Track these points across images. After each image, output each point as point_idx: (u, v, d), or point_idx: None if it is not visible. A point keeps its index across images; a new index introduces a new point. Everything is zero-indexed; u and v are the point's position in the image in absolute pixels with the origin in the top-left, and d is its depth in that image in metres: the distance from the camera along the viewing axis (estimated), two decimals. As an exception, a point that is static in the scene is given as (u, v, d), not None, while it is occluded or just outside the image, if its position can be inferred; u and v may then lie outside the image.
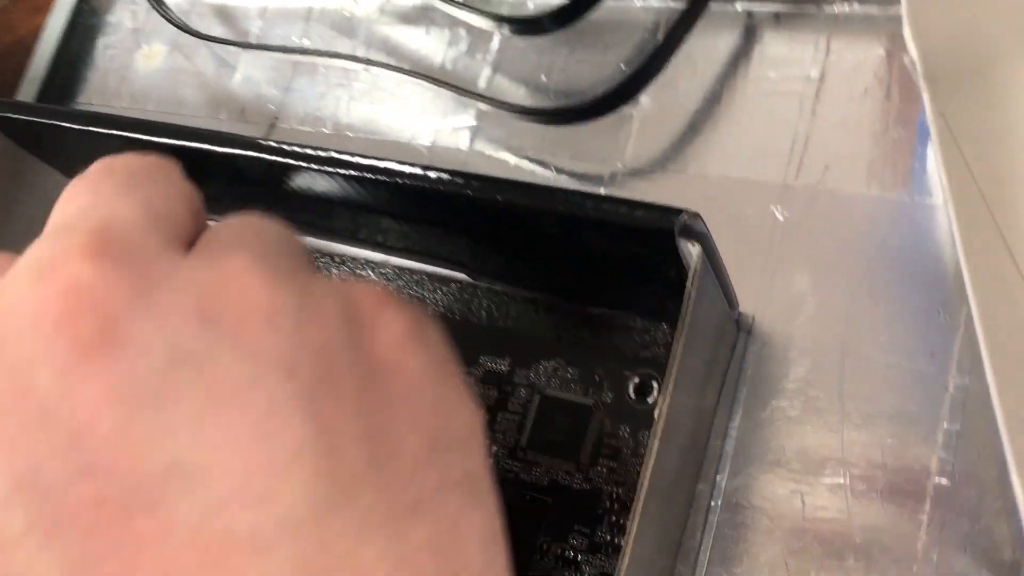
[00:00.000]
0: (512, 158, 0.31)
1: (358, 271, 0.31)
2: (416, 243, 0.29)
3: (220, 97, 0.37)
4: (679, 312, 0.21)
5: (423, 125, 0.33)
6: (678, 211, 0.20)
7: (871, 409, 0.24)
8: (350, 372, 0.16)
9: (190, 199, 0.19)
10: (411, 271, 0.30)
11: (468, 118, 0.32)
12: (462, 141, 0.32)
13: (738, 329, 0.26)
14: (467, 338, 0.28)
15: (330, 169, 0.25)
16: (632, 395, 0.25)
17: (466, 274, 0.29)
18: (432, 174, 0.23)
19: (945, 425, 0.23)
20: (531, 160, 0.31)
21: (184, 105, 0.38)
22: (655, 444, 0.21)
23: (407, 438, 0.17)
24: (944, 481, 0.23)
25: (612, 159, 0.30)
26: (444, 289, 0.29)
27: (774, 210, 0.27)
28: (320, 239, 0.31)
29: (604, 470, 0.25)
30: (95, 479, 0.15)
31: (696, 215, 0.21)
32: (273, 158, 0.25)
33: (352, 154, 0.24)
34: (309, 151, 0.25)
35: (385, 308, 0.18)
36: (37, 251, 0.16)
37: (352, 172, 0.24)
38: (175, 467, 0.15)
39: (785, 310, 0.26)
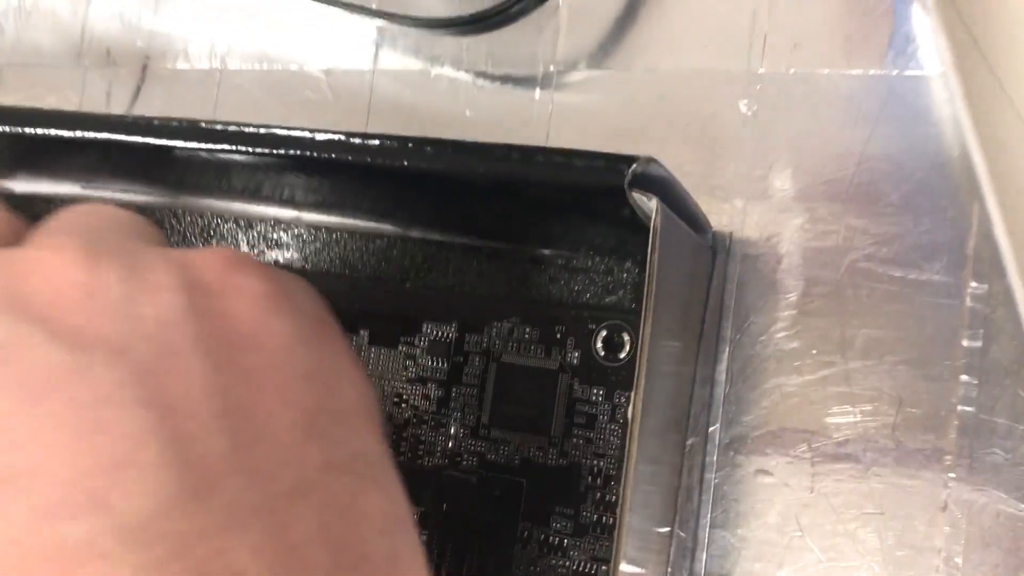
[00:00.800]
0: (426, 69, 0.26)
1: (269, 235, 0.26)
2: (329, 196, 0.24)
3: (79, 39, 0.31)
4: (642, 246, 0.17)
5: (317, 47, 0.28)
6: (628, 160, 0.16)
7: (878, 333, 0.21)
8: (197, 346, 0.14)
9: None
10: (328, 228, 0.26)
11: (368, 31, 0.27)
12: (364, 60, 0.27)
13: (714, 255, 0.22)
14: (404, 302, 0.24)
15: (202, 146, 0.20)
16: (601, 351, 0.22)
17: (392, 225, 0.25)
18: (321, 137, 0.19)
19: (965, 343, 0.20)
20: (450, 68, 0.26)
21: (40, 53, 0.32)
22: (635, 428, 0.17)
23: (277, 414, 0.15)
24: (969, 409, 0.20)
25: (541, 59, 0.25)
26: (370, 246, 0.25)
27: (740, 105, 0.23)
28: (218, 200, 0.27)
29: (580, 442, 0.22)
30: None
31: (649, 160, 0.17)
32: (137, 139, 0.21)
33: (222, 127, 0.20)
34: (176, 125, 0.20)
35: (236, 271, 0.16)
36: None
37: (225, 146, 0.20)
38: None
39: (767, 223, 0.22)
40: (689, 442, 0.22)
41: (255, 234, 0.27)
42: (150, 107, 0.30)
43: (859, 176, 0.21)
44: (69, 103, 0.31)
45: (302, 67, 0.28)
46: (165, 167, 0.25)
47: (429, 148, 0.18)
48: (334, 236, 0.26)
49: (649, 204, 0.17)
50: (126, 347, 0.14)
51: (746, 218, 0.22)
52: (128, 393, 0.13)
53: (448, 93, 0.26)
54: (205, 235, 0.27)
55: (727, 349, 0.22)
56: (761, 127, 0.22)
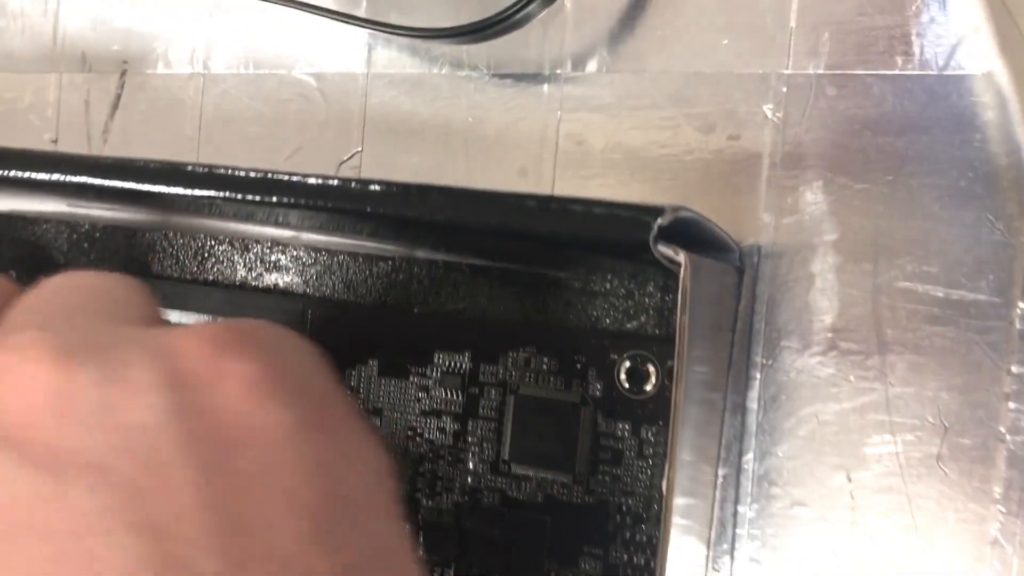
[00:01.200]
0: (424, 73, 0.25)
1: (266, 257, 0.25)
2: (327, 223, 0.23)
3: (52, 42, 0.30)
4: (664, 271, 0.16)
5: (305, 49, 0.26)
6: (653, 211, 0.15)
7: (919, 358, 0.19)
8: (186, 453, 0.13)
9: None
10: (329, 250, 0.24)
11: (360, 32, 0.25)
12: (356, 63, 0.25)
13: (740, 275, 0.21)
14: (413, 330, 0.23)
15: (183, 192, 0.19)
16: (625, 383, 0.21)
17: (397, 246, 0.23)
18: (313, 182, 0.18)
19: (1014, 368, 0.19)
20: (449, 71, 0.24)
21: (12, 59, 0.30)
22: (673, 473, 0.16)
23: (280, 524, 0.13)
24: (1019, 438, 0.19)
25: (548, 61, 0.23)
26: (374, 269, 0.24)
27: (765, 109, 0.21)
28: (212, 221, 0.25)
29: (607, 479, 0.21)
30: None
31: (677, 210, 0.15)
32: (115, 184, 0.19)
33: (205, 170, 0.18)
34: (155, 168, 0.19)
35: (225, 355, 0.14)
36: None
37: (208, 193, 0.18)
38: None
39: (796, 238, 0.21)
40: (722, 473, 0.21)
41: (252, 256, 0.25)
42: (131, 117, 0.28)
43: (897, 187, 0.20)
44: (46, 115, 0.29)
45: (290, 71, 0.26)
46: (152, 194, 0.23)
47: (435, 196, 0.17)
48: (336, 259, 0.24)
49: (677, 257, 0.15)
50: (107, 464, 0.13)
51: (775, 234, 0.21)
52: (114, 519, 0.12)
53: (448, 98, 0.24)
54: (199, 257, 0.26)
55: (759, 375, 0.21)
56: (789, 133, 0.21)
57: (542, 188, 0.23)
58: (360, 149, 0.25)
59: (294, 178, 0.18)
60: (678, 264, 0.16)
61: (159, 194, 0.20)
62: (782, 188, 0.21)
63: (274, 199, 0.18)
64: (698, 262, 0.16)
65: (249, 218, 0.24)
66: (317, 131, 0.26)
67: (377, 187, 0.17)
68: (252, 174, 0.18)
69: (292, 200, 0.18)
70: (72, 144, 0.29)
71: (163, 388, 0.13)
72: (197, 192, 0.18)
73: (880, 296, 0.20)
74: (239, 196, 0.18)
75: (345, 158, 0.25)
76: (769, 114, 0.21)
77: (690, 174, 0.22)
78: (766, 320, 0.21)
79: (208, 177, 0.18)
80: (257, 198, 0.18)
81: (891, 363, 0.20)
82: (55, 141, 0.29)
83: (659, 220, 0.15)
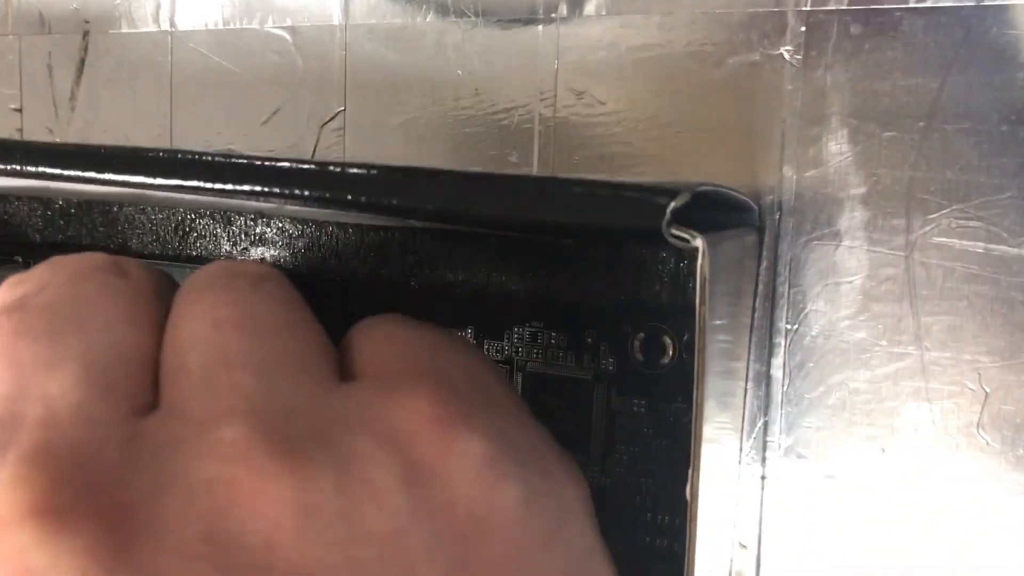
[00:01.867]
0: (407, 22, 0.23)
1: (251, 230, 0.23)
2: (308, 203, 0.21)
3: (5, 3, 0.27)
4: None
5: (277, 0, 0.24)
6: (666, 192, 0.13)
7: (958, 319, 0.18)
8: (432, 557, 0.12)
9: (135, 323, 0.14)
10: (316, 222, 0.23)
11: (333, -23, 0.23)
12: (333, 13, 0.23)
13: (761, 236, 0.19)
14: (409, 305, 0.21)
15: (145, 180, 0.17)
16: (639, 356, 0.19)
17: (385, 216, 0.22)
18: (285, 165, 0.16)
19: (1062, 329, 0.17)
20: (434, 19, 0.22)
21: (-35, 21, 0.28)
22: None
23: None
24: (1067, 404, 0.17)
25: (542, 4, 0.21)
26: (365, 240, 0.22)
27: (783, 51, 0.19)
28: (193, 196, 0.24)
29: (624, 458, 0.19)
30: None
31: (692, 188, 0.13)
32: (76, 173, 0.18)
33: (165, 154, 0.17)
34: (122, 153, 0.17)
35: (452, 435, 0.13)
36: None
37: (173, 181, 0.17)
38: None
39: (820, 193, 0.19)
40: (747, 445, 0.19)
41: (235, 229, 0.24)
42: (98, 81, 0.26)
43: (931, 134, 0.18)
44: (9, 80, 0.27)
45: (262, 25, 0.24)
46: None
47: (421, 183, 0.15)
48: (324, 230, 0.23)
49: (693, 242, 0.14)
50: None
51: (797, 189, 0.19)
52: None
53: (434, 49, 0.22)
54: (180, 232, 0.25)
55: (783, 342, 0.19)
56: (810, 79, 0.19)
57: (542, 145, 0.21)
58: (343, 108, 0.23)
59: (267, 163, 0.16)
60: (694, 248, 0.14)
61: (123, 182, 0.18)
62: (803, 139, 0.19)
63: (246, 188, 0.16)
64: (716, 241, 0.15)
65: (227, 196, 0.23)
66: (295, 90, 0.24)
67: (358, 171, 0.15)
68: (218, 159, 0.16)
69: (265, 189, 0.16)
70: (38, 112, 0.27)
71: (402, 486, 0.12)
72: (160, 181, 0.17)
73: (914, 253, 0.18)
74: (208, 186, 0.16)
75: (327, 119, 0.23)
76: (787, 56, 0.19)
77: (701, 125, 0.20)
78: (790, 282, 0.19)
79: (173, 163, 0.17)
80: (228, 187, 0.16)
81: (926, 325, 0.18)
82: (20, 110, 0.27)
83: (673, 203, 0.13)
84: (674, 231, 0.14)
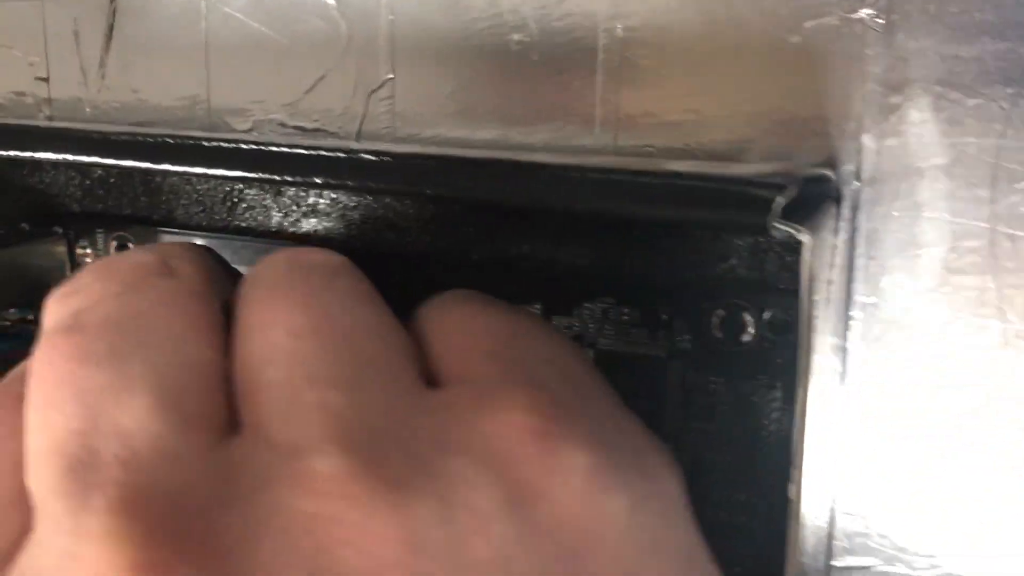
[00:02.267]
0: (456, -18, 0.22)
1: (302, 201, 0.23)
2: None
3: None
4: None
5: (317, -42, 0.23)
6: (773, 187, 0.13)
7: (1043, 292, 0.18)
8: None
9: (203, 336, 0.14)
10: (371, 190, 0.22)
11: (378, -63, 0.22)
12: (380, -25, 0.22)
13: (838, 204, 0.19)
14: (471, 279, 0.21)
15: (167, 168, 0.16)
16: (719, 333, 0.19)
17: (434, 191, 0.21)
18: (330, 155, 0.15)
19: None
20: (484, -22, 0.21)
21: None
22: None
23: None
24: None
25: (601, -38, 0.20)
26: (423, 212, 0.22)
27: (862, 12, 0.18)
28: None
29: (699, 435, 0.19)
30: None
31: (799, 181, 0.13)
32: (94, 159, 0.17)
33: (193, 141, 0.16)
34: (146, 141, 0.17)
35: (552, 448, 0.12)
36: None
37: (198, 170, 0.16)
38: None
39: (901, 163, 0.18)
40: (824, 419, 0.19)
41: (286, 200, 0.23)
42: (129, 49, 0.25)
43: (1019, 101, 0.17)
44: (33, 48, 0.26)
45: (304, -11, 0.23)
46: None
47: (485, 174, 0.14)
48: (381, 200, 0.22)
49: (799, 237, 0.13)
50: None
51: (877, 158, 0.18)
52: None
53: (488, 15, 0.21)
54: (228, 203, 0.24)
55: (860, 315, 0.19)
56: (891, 44, 0.18)
57: (604, 111, 0.21)
58: (391, 76, 0.22)
59: (313, 152, 0.15)
60: (797, 243, 0.14)
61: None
62: (884, 106, 0.18)
63: (287, 178, 0.16)
64: (816, 230, 0.14)
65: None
66: (340, 57, 0.23)
67: (410, 160, 0.15)
68: (254, 147, 0.16)
69: (308, 179, 0.15)
70: (66, 83, 0.26)
71: (506, 509, 0.12)
72: (198, 171, 0.16)
73: (998, 225, 0.18)
74: (249, 175, 0.16)
75: (375, 87, 0.23)
76: (867, 19, 0.18)
77: (774, 91, 0.19)
78: (867, 255, 0.19)
79: (213, 152, 0.16)
80: (276, 177, 0.16)
81: (1010, 299, 0.18)
82: (46, 79, 0.26)
83: (779, 198, 0.13)
84: (779, 224, 0.13)
